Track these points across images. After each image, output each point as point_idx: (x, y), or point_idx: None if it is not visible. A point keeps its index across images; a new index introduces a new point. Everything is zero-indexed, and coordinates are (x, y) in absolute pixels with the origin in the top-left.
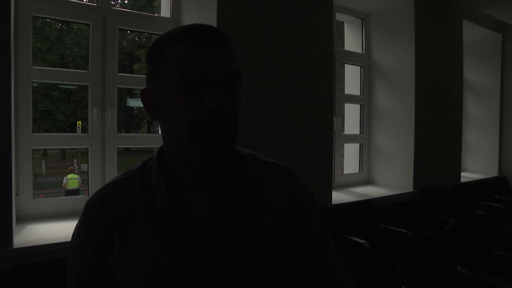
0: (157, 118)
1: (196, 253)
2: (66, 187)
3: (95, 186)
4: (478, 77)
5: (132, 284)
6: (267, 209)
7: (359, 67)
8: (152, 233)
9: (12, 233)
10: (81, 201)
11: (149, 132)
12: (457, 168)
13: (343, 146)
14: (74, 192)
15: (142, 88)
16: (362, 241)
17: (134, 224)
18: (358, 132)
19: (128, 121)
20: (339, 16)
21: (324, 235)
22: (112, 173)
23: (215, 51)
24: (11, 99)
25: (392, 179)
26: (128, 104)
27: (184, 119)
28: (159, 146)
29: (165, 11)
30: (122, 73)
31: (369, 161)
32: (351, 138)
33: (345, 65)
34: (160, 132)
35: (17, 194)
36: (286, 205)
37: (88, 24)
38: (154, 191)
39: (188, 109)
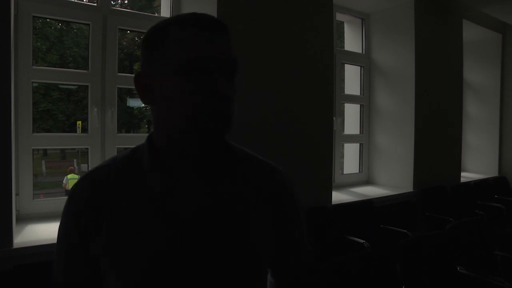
0: (151, 103)
1: (185, 239)
2: (66, 187)
3: None
4: (478, 77)
5: (117, 270)
6: (254, 201)
7: (359, 67)
8: (142, 219)
9: (12, 233)
10: None
11: (149, 132)
12: (457, 168)
13: (343, 146)
14: None
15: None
16: (362, 241)
17: (122, 211)
18: (358, 132)
19: (128, 121)
20: (339, 16)
21: (301, 236)
22: None
23: (216, 38)
24: (11, 99)
25: (392, 179)
26: (128, 104)
27: (183, 104)
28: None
29: (165, 11)
30: (122, 73)
31: (369, 161)
32: (351, 138)
33: (345, 65)
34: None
35: (17, 194)
36: (271, 201)
37: (88, 24)
38: (144, 178)
39: (187, 95)
